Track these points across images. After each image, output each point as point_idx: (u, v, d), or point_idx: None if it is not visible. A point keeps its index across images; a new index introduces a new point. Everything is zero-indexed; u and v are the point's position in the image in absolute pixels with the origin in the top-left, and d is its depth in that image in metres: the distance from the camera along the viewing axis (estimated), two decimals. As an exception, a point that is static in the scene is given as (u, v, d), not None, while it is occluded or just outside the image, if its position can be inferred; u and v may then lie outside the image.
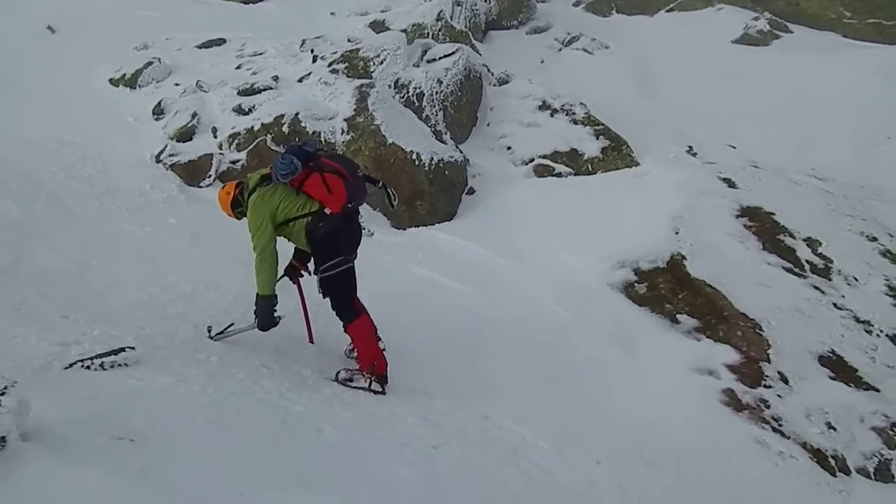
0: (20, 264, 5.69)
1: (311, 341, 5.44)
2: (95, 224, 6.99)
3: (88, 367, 3.80)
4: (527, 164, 9.60)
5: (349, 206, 4.83)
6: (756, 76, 13.04)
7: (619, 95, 11.91)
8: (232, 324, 5.19)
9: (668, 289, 7.05)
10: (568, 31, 14.74)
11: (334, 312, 5.10)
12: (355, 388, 4.89)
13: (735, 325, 6.52)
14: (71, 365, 3.83)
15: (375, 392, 4.88)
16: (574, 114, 10.18)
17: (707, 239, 7.54)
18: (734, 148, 10.80)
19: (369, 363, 4.92)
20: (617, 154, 9.50)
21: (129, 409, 3.38)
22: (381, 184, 5.20)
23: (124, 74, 10.96)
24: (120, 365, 3.91)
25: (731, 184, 8.59)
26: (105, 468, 2.64)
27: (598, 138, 9.74)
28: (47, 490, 2.42)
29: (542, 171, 9.45)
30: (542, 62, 13.63)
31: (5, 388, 2.44)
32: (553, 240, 7.98)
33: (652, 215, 7.88)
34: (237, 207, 5.09)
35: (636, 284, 7.19)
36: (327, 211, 4.76)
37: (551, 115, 10.26)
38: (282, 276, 5.33)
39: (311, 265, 5.10)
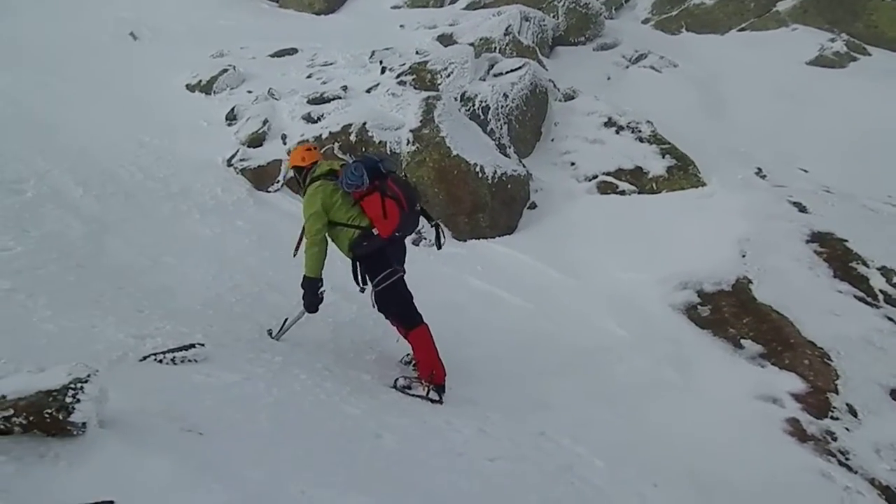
0: (98, 257, 5.96)
1: None
2: (168, 223, 7.27)
3: (160, 361, 3.96)
4: (590, 180, 9.53)
5: (396, 234, 5.03)
6: (830, 99, 12.68)
7: (686, 114, 11.74)
8: (286, 318, 5.33)
9: (732, 313, 6.89)
10: (636, 48, 14.59)
11: (392, 322, 5.20)
12: (413, 395, 4.93)
13: (802, 354, 6.32)
14: (145, 358, 3.99)
15: (433, 401, 4.91)
16: (640, 131, 10.06)
17: (775, 263, 7.35)
18: (805, 172, 10.50)
19: (428, 372, 4.97)
20: (683, 174, 9.34)
21: (197, 403, 3.50)
22: (434, 223, 5.39)
23: (200, 81, 11.37)
24: (189, 360, 4.05)
25: (801, 208, 8.36)
26: (172, 458, 2.74)
27: (663, 157, 9.59)
28: (119, 475, 2.52)
29: (606, 189, 9.37)
30: (609, 79, 13.54)
31: (88, 376, 2.56)
32: (614, 258, 7.91)
33: (717, 237, 7.73)
34: (298, 173, 5.43)
35: (699, 307, 7.05)
36: (375, 231, 4.94)
37: (616, 133, 10.16)
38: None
39: (362, 282, 5.20)
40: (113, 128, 9.29)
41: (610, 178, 9.45)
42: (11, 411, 2.42)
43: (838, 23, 15.64)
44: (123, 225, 6.75)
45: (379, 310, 5.16)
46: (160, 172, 8.35)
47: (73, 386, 2.50)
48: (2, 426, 2.43)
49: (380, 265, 5.04)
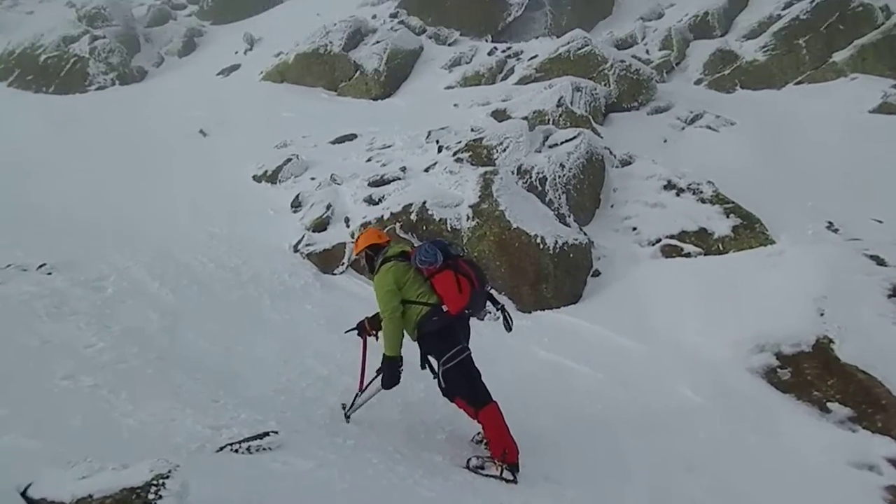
0: (175, 349, 6.18)
1: (361, 388, 5.43)
2: (240, 311, 7.49)
3: (237, 451, 4.03)
4: (653, 244, 9.42)
5: (466, 311, 5.09)
6: (898, 145, 12.30)
7: (748, 172, 11.55)
8: (357, 394, 5.39)
9: (815, 374, 6.59)
10: (690, 109, 14.55)
11: (459, 405, 5.15)
12: (487, 475, 4.85)
13: (895, 415, 5.97)
14: (222, 448, 4.07)
15: (507, 480, 4.81)
16: (701, 192, 9.94)
17: (856, 321, 7.02)
18: (880, 222, 10.13)
19: (500, 451, 4.89)
20: (750, 233, 9.14)
21: (274, 492, 3.53)
22: (500, 307, 5.37)
23: (266, 171, 11.88)
24: (265, 449, 4.11)
25: (879, 261, 8.02)
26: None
27: (728, 216, 9.43)
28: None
29: (670, 252, 9.23)
30: (665, 141, 13.49)
31: (169, 471, 2.62)
32: (684, 322, 7.72)
33: (792, 296, 7.45)
34: (369, 250, 5.52)
35: (779, 369, 6.78)
36: (444, 308, 4.98)
37: (677, 195, 10.07)
38: (351, 329, 5.62)
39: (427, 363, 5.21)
40: (187, 221, 9.79)
41: (674, 241, 9.32)
42: (99, 510, 2.50)
43: (900, 69, 15.31)
44: (198, 315, 7.01)
45: (445, 392, 5.12)
46: (231, 262, 8.67)
47: (155, 482, 2.57)
48: (90, 525, 2.51)
49: (447, 342, 5.05)
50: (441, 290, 5.02)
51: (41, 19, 22.44)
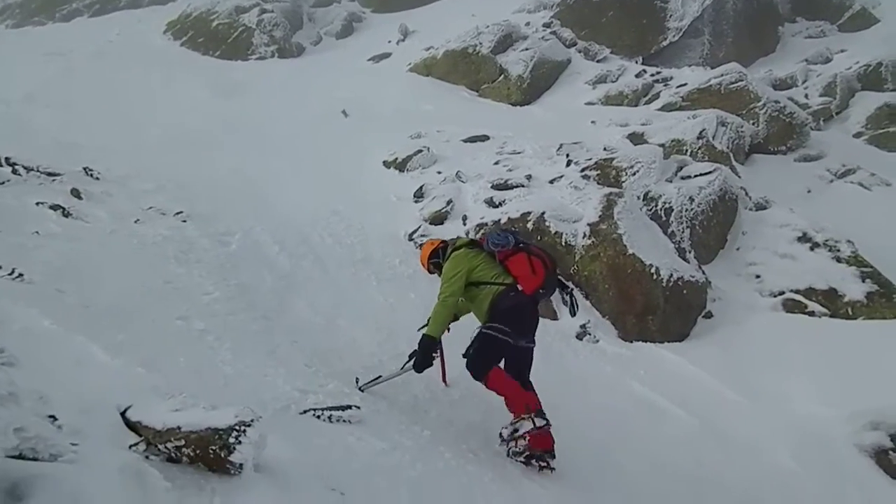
0: (281, 312, 6.48)
1: (444, 381, 5.62)
2: (348, 287, 7.74)
3: (318, 417, 4.19)
4: (775, 296, 8.91)
5: (540, 291, 5.10)
6: None
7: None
8: (380, 376, 5.43)
9: (931, 466, 6.04)
10: (843, 162, 13.66)
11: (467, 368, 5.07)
12: (524, 455, 4.79)
13: None
14: (305, 411, 4.24)
15: (541, 467, 4.75)
16: (838, 251, 9.31)
17: None
18: None
19: (521, 405, 4.81)
20: (886, 302, 8.47)
21: (346, 465, 3.64)
22: (569, 290, 5.41)
23: (396, 158, 12.19)
24: (344, 421, 4.25)
25: None
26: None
27: (863, 281, 8.77)
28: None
29: (793, 307, 8.69)
30: (809, 192, 12.75)
31: (252, 420, 2.76)
32: (795, 384, 7.23)
33: (924, 377, 6.86)
34: (433, 258, 5.68)
35: (891, 452, 6.24)
36: (520, 287, 5.01)
37: (811, 249, 9.48)
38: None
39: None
40: (314, 196, 10.21)
41: (799, 297, 8.77)
42: (183, 442, 2.66)
43: None
44: (308, 284, 7.31)
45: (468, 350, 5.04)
46: (347, 239, 8.99)
47: (237, 427, 2.71)
48: (173, 455, 2.68)
49: (506, 322, 4.92)
50: (515, 271, 5.05)
51: (219, -13, 24.06)
